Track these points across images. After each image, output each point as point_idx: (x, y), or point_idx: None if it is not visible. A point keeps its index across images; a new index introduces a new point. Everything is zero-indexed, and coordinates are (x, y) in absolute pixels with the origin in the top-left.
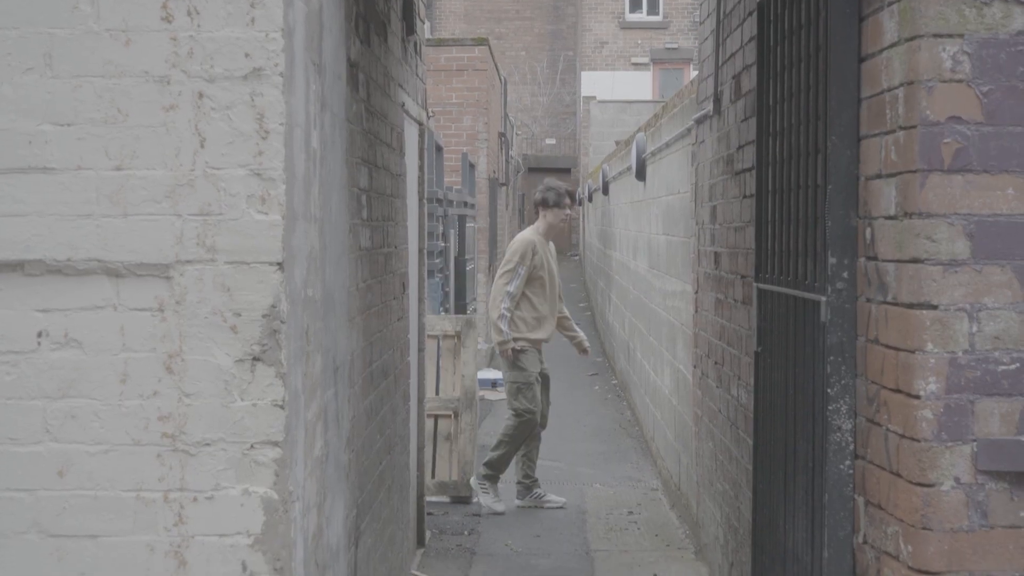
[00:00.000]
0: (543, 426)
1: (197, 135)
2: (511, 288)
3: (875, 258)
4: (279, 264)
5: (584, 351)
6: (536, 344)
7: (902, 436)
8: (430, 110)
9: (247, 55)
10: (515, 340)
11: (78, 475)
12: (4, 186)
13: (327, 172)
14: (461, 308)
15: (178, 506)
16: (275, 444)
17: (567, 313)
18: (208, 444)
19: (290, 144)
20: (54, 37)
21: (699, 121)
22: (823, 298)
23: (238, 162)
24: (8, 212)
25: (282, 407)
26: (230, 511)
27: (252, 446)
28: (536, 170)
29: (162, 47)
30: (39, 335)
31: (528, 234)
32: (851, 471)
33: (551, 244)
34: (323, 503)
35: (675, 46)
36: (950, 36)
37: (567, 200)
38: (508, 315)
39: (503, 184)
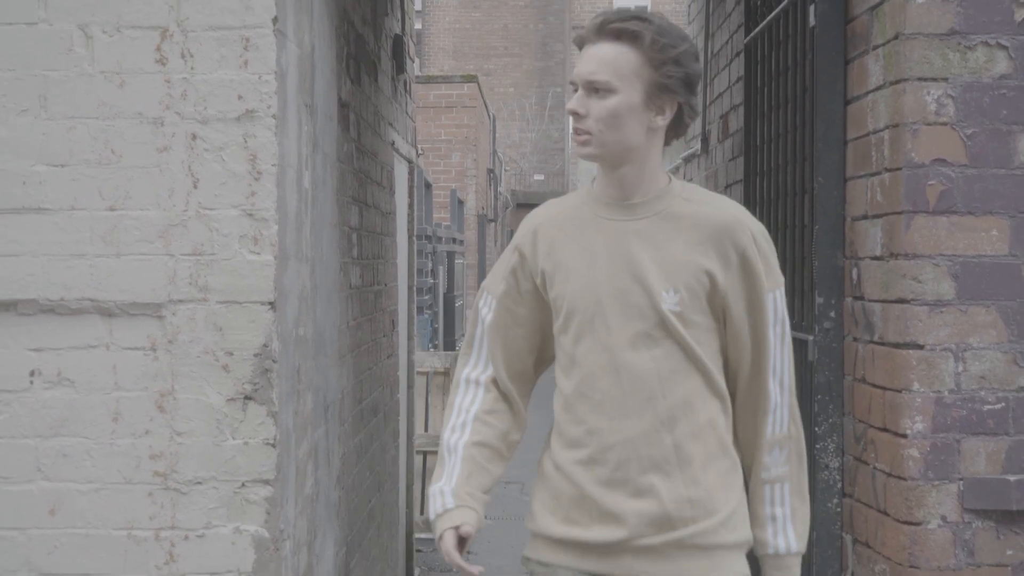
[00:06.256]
0: None
1: (190, 176)
2: (462, 365)
3: (862, 298)
4: (271, 304)
5: None
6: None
7: (889, 475)
8: (419, 147)
9: (240, 97)
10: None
11: (69, 514)
12: None
13: (318, 212)
14: (450, 345)
15: (169, 544)
16: (266, 482)
17: (773, 453)
18: (200, 482)
19: (282, 185)
20: (49, 79)
21: (687, 159)
22: (810, 337)
23: (231, 203)
24: (2, 252)
25: (273, 446)
26: (221, 549)
27: (243, 484)
28: (524, 206)
29: (156, 89)
30: (32, 374)
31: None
32: (839, 509)
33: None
34: (313, 541)
35: None
36: (934, 80)
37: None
38: (458, 444)
39: (492, 220)
